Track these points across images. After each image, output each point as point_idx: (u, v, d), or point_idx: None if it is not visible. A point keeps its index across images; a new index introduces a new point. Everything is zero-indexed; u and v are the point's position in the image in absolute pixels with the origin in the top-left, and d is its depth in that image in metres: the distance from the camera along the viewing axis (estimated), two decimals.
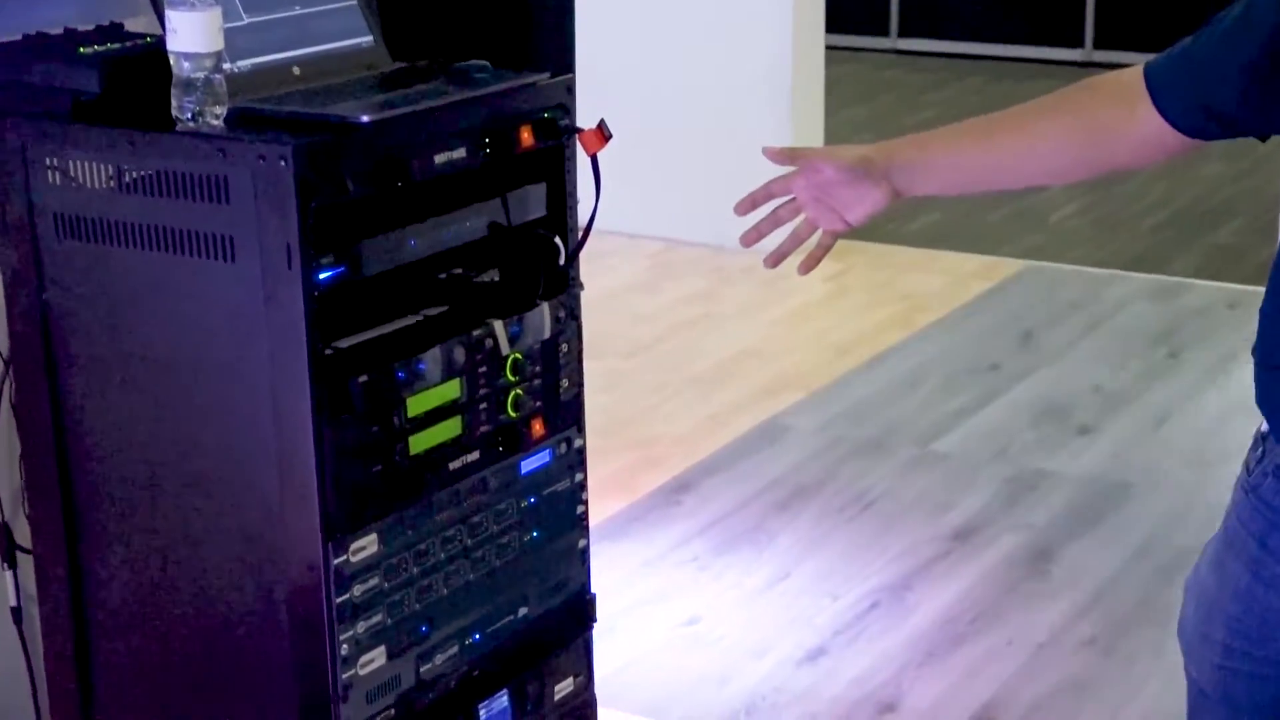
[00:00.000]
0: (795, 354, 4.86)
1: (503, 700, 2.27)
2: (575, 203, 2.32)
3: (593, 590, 2.43)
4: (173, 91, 2.01)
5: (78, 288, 2.13)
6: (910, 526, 3.82)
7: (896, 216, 5.95)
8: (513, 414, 2.24)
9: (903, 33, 8.73)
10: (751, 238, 2.02)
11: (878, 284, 5.40)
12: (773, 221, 2.01)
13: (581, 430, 2.36)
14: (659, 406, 4.51)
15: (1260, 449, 1.79)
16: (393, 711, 2.13)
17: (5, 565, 2.37)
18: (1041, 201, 6.21)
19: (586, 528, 2.40)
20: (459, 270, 2.24)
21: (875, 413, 4.43)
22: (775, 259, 2.06)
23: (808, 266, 2.03)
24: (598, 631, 2.45)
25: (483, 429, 2.20)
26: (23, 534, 2.33)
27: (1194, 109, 1.75)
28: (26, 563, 2.34)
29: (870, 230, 5.81)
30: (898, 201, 1.94)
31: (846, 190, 1.94)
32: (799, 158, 1.98)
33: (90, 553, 2.21)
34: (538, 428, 2.28)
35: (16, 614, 2.39)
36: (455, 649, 2.21)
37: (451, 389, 2.15)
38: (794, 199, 1.99)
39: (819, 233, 2.02)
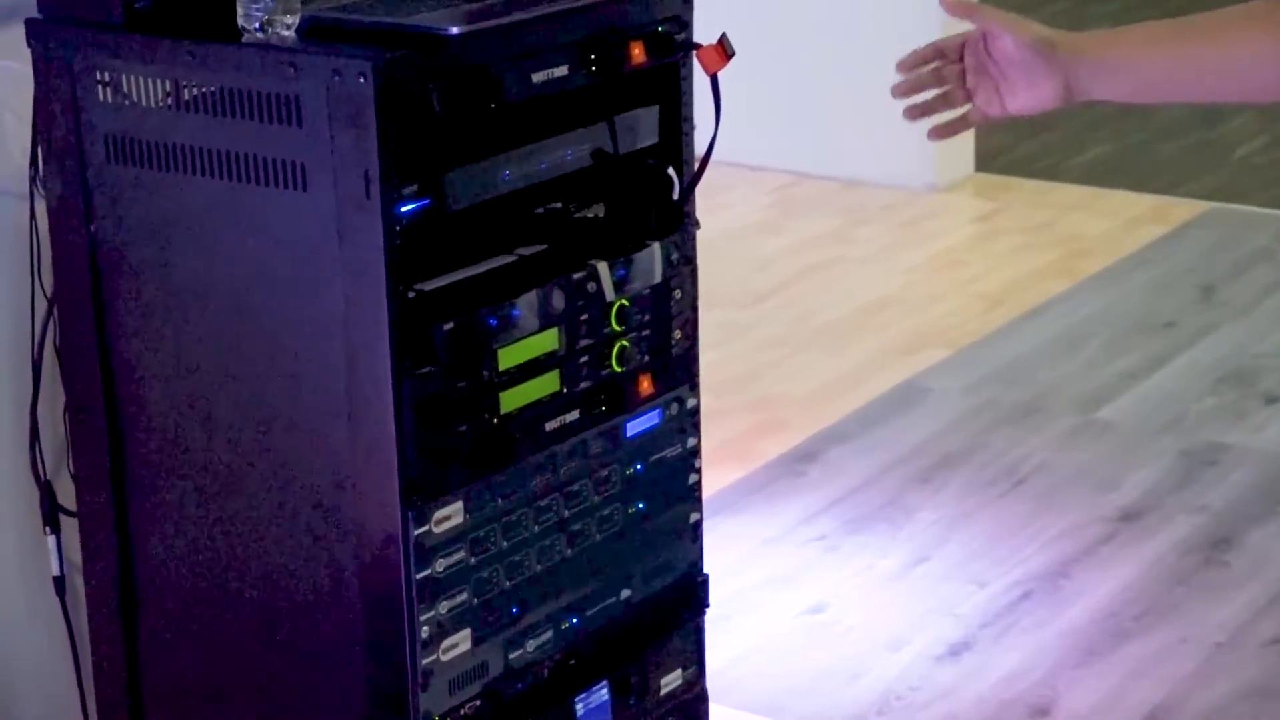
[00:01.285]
0: (938, 305, 4.83)
1: (602, 693, 2.28)
2: (691, 129, 2.30)
3: (705, 571, 2.42)
4: None
5: (130, 218, 2.15)
6: (1069, 505, 3.79)
7: (1058, 149, 5.89)
8: (617, 368, 2.24)
9: None
10: (903, 89, 2.01)
11: (1035, 226, 5.35)
12: (936, 78, 2.00)
13: (695, 389, 2.35)
14: (782, 363, 4.50)
15: None
16: (478, 703, 2.14)
17: (48, 529, 2.40)
18: (1226, 134, 6.12)
19: (699, 500, 2.40)
20: (558, 204, 2.24)
21: (1030, 374, 4.40)
22: (918, 112, 2.03)
23: (939, 135, 2.02)
24: (711, 618, 2.45)
25: (583, 385, 2.20)
26: (67, 495, 2.36)
27: None
28: (71, 526, 2.37)
29: (1027, 164, 5.81)
30: (1067, 104, 1.92)
31: (1018, 71, 1.92)
32: (980, 16, 1.96)
33: (140, 517, 2.23)
34: (645, 385, 2.28)
35: (59, 584, 2.42)
36: (549, 634, 2.22)
37: (549, 339, 2.15)
38: (960, 61, 1.98)
39: (970, 106, 2.00)
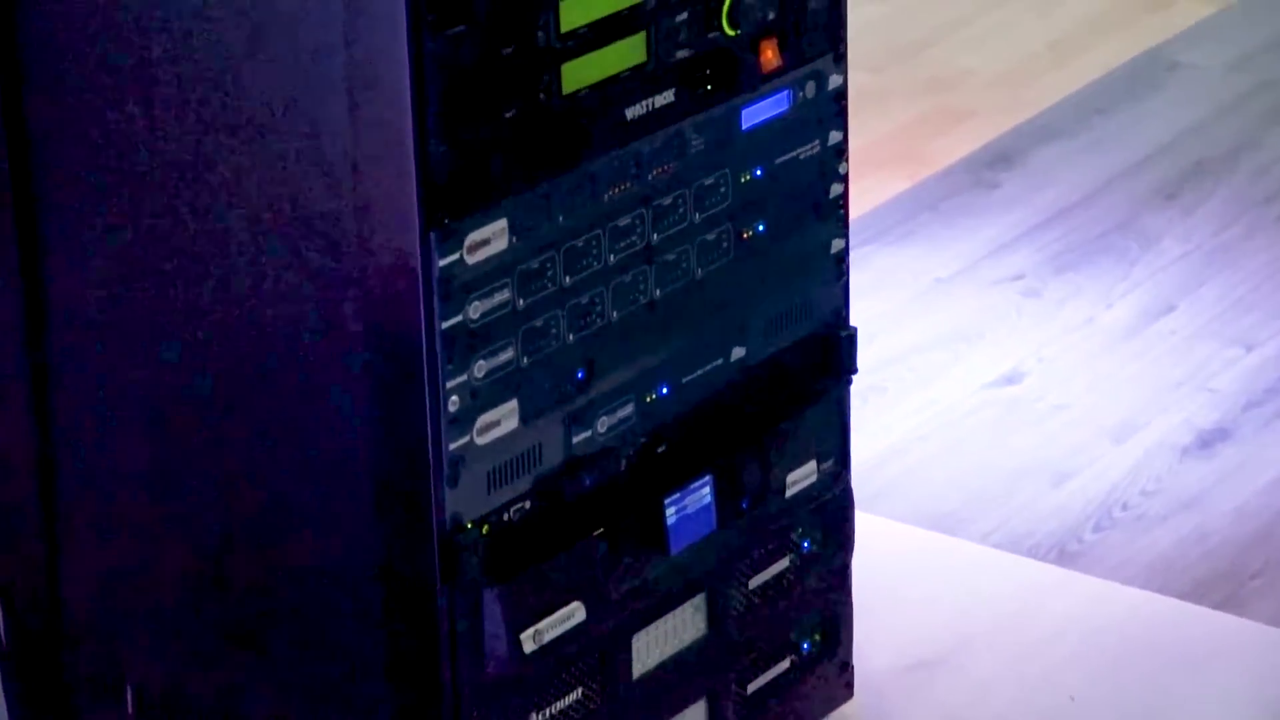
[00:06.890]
0: None
1: (703, 494, 2.30)
2: None
3: (852, 324, 2.44)
4: None
5: None
6: None
7: None
8: (730, 31, 2.24)
9: None
10: None
11: None
12: None
13: (841, 61, 2.36)
14: (967, 26, 4.48)
15: None
16: (527, 505, 2.17)
17: None
18: None
19: (844, 221, 2.41)
20: None
21: None
22: None
23: None
24: (859, 390, 2.48)
25: (680, 55, 2.21)
26: None
27: None
28: None
29: None
30: None
31: None
32: None
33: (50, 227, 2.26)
34: (769, 55, 2.28)
35: None
36: (630, 409, 2.24)
37: None
38: None
39: None
